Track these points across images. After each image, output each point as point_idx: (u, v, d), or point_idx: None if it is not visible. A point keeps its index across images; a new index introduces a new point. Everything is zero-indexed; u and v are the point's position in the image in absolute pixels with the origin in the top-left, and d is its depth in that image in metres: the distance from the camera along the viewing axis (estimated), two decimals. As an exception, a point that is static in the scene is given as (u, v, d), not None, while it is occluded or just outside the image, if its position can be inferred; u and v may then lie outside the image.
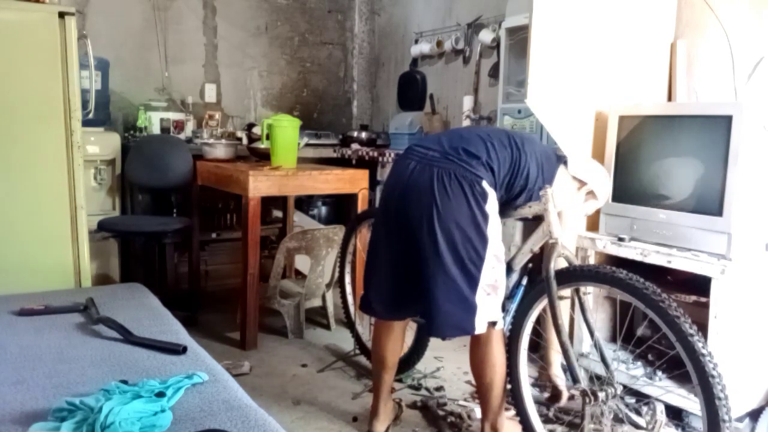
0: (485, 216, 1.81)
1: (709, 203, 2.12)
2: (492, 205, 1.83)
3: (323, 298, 3.35)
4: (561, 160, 2.08)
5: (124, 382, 1.41)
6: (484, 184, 1.82)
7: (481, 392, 1.99)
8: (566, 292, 1.96)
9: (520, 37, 3.07)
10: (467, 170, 1.82)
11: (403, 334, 2.17)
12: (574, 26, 2.38)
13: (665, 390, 2.16)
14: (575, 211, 2.15)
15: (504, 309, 2.11)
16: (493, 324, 1.87)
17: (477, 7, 3.94)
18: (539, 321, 2.06)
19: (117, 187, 3.63)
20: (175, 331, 1.85)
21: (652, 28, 2.64)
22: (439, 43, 4.18)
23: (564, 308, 1.97)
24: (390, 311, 2.08)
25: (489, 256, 1.82)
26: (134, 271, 3.61)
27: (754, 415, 2.19)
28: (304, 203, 4.45)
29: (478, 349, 1.93)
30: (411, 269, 1.89)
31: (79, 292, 2.26)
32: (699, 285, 2.12)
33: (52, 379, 1.47)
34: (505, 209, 2.03)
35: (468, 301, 1.80)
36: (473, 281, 1.80)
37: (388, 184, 2.00)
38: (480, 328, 1.83)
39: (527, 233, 2.18)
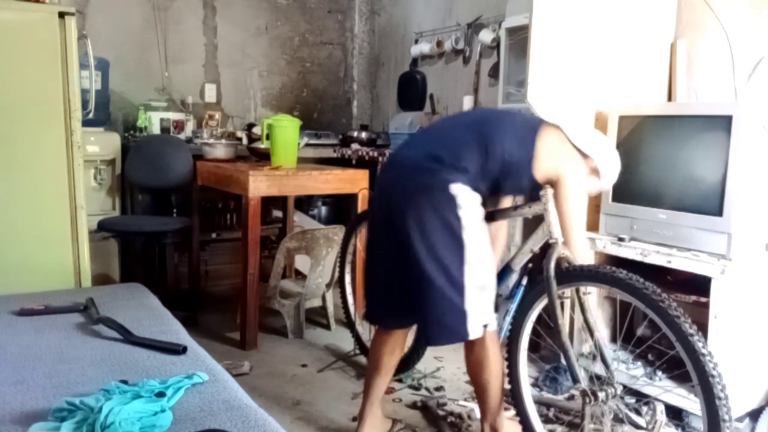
0: (458, 220, 1.77)
1: (709, 203, 2.12)
2: (466, 207, 1.78)
3: (323, 298, 3.35)
4: (544, 122, 1.95)
5: (124, 382, 1.41)
6: (453, 188, 1.77)
7: (478, 393, 1.99)
8: (581, 290, 1.95)
9: (520, 37, 3.07)
10: (435, 177, 1.78)
11: (404, 341, 2.13)
12: (574, 26, 2.38)
13: (665, 390, 2.16)
14: (577, 183, 1.90)
15: (497, 309, 2.10)
16: (485, 326, 1.85)
17: (477, 7, 3.94)
18: (539, 321, 2.06)
19: (117, 187, 3.63)
20: (175, 331, 1.85)
21: (652, 28, 2.64)
22: (439, 43, 4.18)
23: (579, 306, 1.95)
24: (392, 321, 2.06)
25: (470, 259, 1.78)
26: (134, 271, 3.61)
27: (754, 415, 2.19)
28: (304, 203, 4.45)
29: (472, 351, 1.92)
30: (403, 278, 1.87)
31: (79, 292, 2.26)
32: (699, 285, 2.12)
33: (52, 379, 1.47)
34: (506, 209, 2.03)
35: (458, 308, 1.78)
36: (459, 287, 1.78)
37: (374, 195, 2.00)
38: (474, 332, 1.81)
39: (527, 233, 2.17)
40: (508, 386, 2.10)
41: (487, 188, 1.86)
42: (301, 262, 3.74)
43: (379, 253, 1.98)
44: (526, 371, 2.07)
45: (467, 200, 1.79)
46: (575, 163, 1.92)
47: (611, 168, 2.02)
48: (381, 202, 1.95)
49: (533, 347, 2.12)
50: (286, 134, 3.21)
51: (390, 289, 1.96)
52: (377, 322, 2.11)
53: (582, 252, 1.93)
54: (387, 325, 2.07)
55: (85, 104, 2.61)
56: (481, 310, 1.82)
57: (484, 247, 1.84)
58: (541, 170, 1.87)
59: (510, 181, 1.90)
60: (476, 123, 1.92)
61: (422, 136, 2.04)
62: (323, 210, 4.54)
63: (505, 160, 1.83)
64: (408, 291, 1.85)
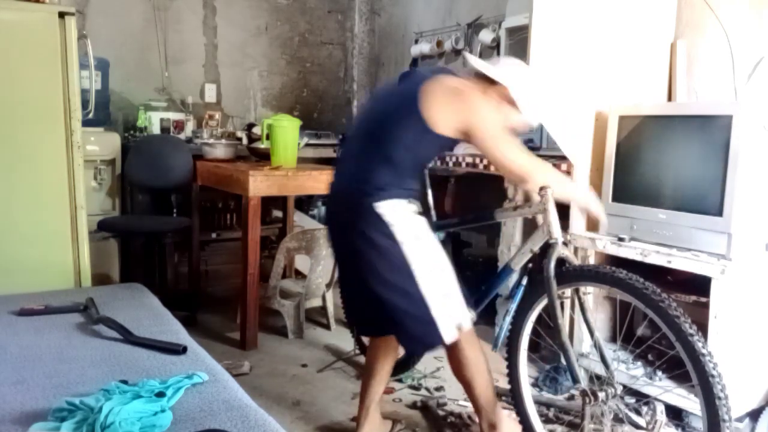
0: (392, 238, 1.75)
1: (709, 203, 2.12)
2: (398, 223, 1.76)
3: (323, 298, 3.34)
4: (425, 80, 1.80)
5: (124, 382, 1.41)
6: (380, 208, 1.75)
7: (466, 391, 1.97)
8: (580, 290, 1.95)
9: (520, 37, 3.07)
10: (360, 205, 1.77)
11: (397, 345, 2.09)
12: (574, 26, 2.38)
13: (665, 390, 2.16)
14: (489, 120, 1.72)
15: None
16: (460, 327, 1.83)
17: (477, 7, 3.94)
18: (539, 321, 2.06)
19: (117, 187, 3.63)
20: (175, 331, 1.85)
21: (652, 28, 2.64)
22: (439, 43, 4.18)
23: (579, 306, 1.96)
24: (373, 331, 2.06)
25: (421, 271, 1.77)
26: (134, 271, 3.61)
27: (754, 415, 2.19)
28: (304, 203, 4.45)
29: (451, 351, 1.90)
30: (368, 299, 1.85)
31: (79, 292, 2.26)
32: (699, 285, 2.11)
33: (52, 379, 1.47)
34: (506, 209, 2.02)
35: (426, 319, 1.77)
36: (420, 301, 1.76)
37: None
38: (448, 337, 1.80)
39: (527, 233, 2.17)
40: (508, 386, 2.11)
41: (416, 178, 1.86)
42: (301, 262, 3.74)
43: (343, 275, 2.01)
44: (526, 371, 2.07)
45: (397, 215, 1.77)
46: (473, 100, 1.75)
47: (531, 95, 1.83)
48: (329, 231, 2.00)
49: (533, 347, 2.12)
50: (286, 134, 3.21)
51: (362, 305, 1.97)
52: (362, 332, 2.12)
53: (556, 180, 1.84)
54: (371, 335, 2.08)
55: (85, 104, 2.61)
56: (450, 314, 1.80)
57: (433, 254, 1.82)
58: (445, 129, 1.75)
59: (430, 155, 1.89)
60: (368, 134, 1.87)
61: (341, 160, 2.01)
62: (323, 210, 4.54)
63: (409, 146, 1.77)
64: (376, 309, 1.84)
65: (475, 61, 1.84)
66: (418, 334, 1.82)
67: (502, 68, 1.84)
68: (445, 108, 1.75)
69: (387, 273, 1.77)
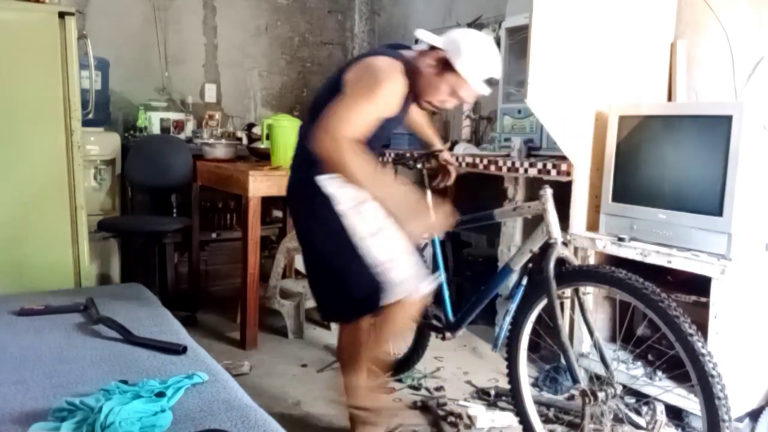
0: (334, 208, 1.84)
1: (709, 203, 2.12)
2: (339, 193, 1.85)
3: (323, 298, 3.34)
4: (354, 61, 1.82)
5: (124, 382, 1.42)
6: (319, 180, 1.85)
7: (373, 343, 2.01)
8: (580, 290, 1.96)
9: (520, 37, 3.07)
10: (304, 180, 1.89)
11: (364, 336, 2.07)
12: (574, 26, 2.38)
13: (665, 390, 2.16)
14: (381, 96, 1.65)
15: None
16: (409, 289, 1.86)
17: (477, 7, 3.94)
18: (539, 321, 2.06)
19: (117, 187, 3.63)
20: (175, 331, 1.85)
21: (652, 28, 2.64)
22: (439, 43, 4.18)
23: (579, 306, 1.96)
24: (342, 315, 2.07)
25: (366, 239, 1.84)
26: (134, 271, 3.61)
27: (754, 415, 2.19)
28: (304, 203, 4.44)
29: (389, 306, 1.90)
30: (331, 277, 1.94)
31: (79, 292, 2.26)
32: (699, 285, 2.12)
33: (52, 379, 1.47)
34: (505, 209, 2.01)
35: (373, 278, 1.83)
36: (366, 262, 1.84)
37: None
38: (397, 294, 1.84)
39: (527, 233, 2.17)
40: (508, 386, 2.11)
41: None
42: (302, 262, 3.73)
43: (306, 262, 2.06)
44: (526, 371, 2.07)
45: (338, 187, 1.85)
46: (378, 76, 1.67)
47: (473, 59, 1.74)
48: (294, 225, 2.06)
49: (533, 347, 2.12)
50: (286, 134, 3.20)
51: (323, 286, 2.01)
52: (330, 318, 2.16)
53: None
54: (341, 319, 2.10)
55: (85, 104, 2.62)
56: (398, 275, 1.85)
57: (376, 220, 1.85)
58: None
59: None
60: (309, 119, 1.89)
61: (295, 146, 2.06)
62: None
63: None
64: (335, 285, 1.92)
65: (421, 33, 1.82)
66: (368, 293, 1.86)
67: (448, 35, 1.79)
68: (351, 84, 1.72)
69: (336, 244, 1.85)
